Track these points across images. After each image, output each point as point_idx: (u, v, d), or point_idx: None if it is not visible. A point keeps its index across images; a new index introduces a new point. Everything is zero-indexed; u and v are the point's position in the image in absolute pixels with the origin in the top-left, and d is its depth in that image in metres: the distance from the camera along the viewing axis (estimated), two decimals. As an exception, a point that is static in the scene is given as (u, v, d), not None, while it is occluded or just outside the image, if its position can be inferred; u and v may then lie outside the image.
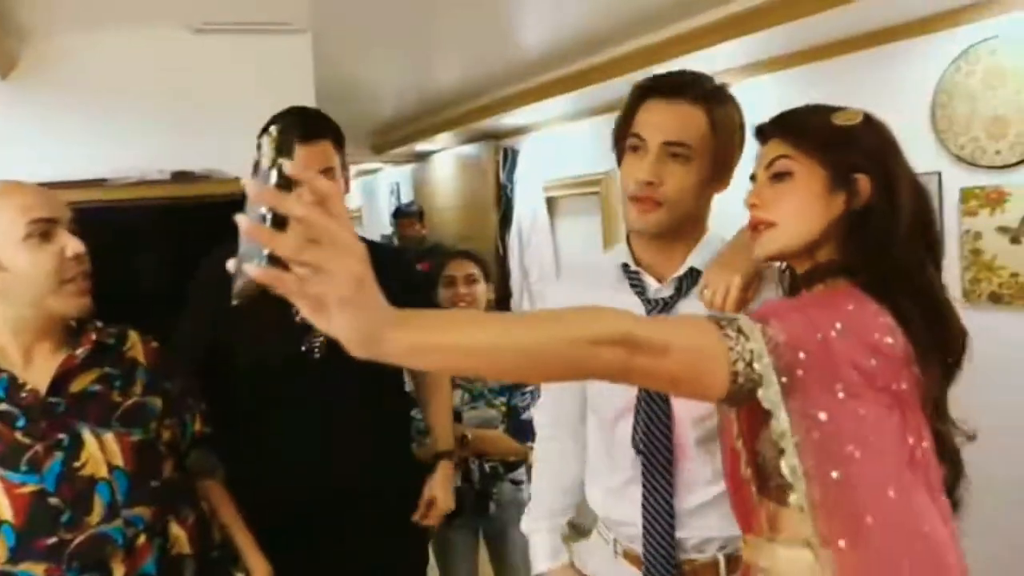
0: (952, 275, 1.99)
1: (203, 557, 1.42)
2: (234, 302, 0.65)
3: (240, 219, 0.62)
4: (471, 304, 2.31)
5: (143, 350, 1.45)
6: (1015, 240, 1.92)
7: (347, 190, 1.69)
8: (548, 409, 1.49)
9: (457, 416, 2.23)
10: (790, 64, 2.41)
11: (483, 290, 2.36)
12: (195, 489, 1.50)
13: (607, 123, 3.51)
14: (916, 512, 0.95)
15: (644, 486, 1.24)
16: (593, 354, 0.81)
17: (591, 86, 3.08)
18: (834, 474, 0.92)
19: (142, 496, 1.32)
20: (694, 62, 2.55)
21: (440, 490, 1.81)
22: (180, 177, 2.17)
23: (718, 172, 1.22)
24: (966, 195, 2.01)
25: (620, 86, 3.00)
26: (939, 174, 2.07)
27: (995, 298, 1.97)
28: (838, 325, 0.94)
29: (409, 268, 2.18)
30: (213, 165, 2.21)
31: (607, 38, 2.79)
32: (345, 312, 0.66)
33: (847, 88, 2.18)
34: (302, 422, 1.66)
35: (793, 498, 0.94)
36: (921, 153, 2.01)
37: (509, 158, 4.26)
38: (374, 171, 6.80)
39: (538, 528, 1.46)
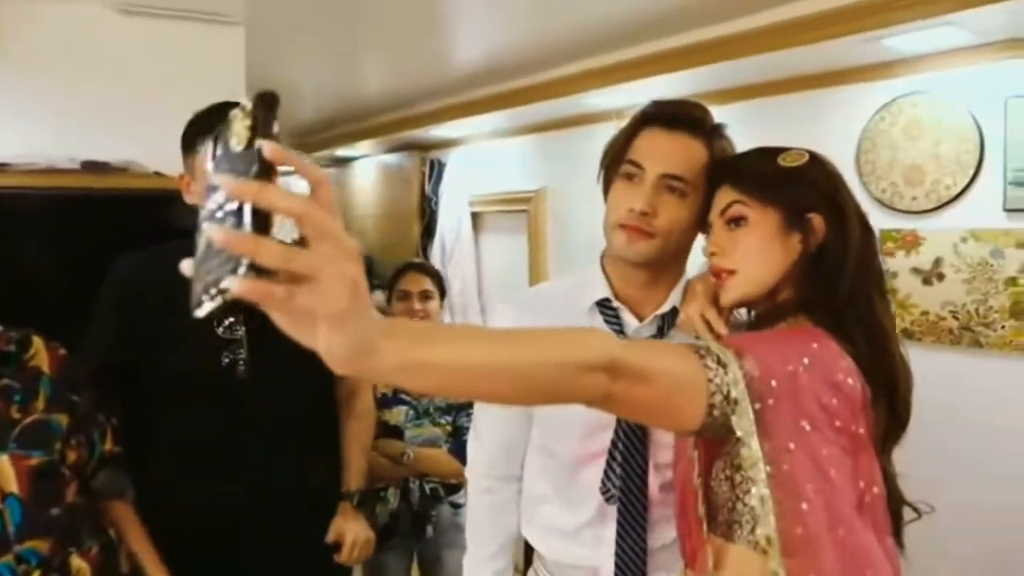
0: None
1: (109, 591, 1.29)
2: (198, 314, 0.54)
3: (213, 229, 0.52)
4: (425, 320, 2.24)
5: (48, 358, 1.31)
6: (927, 281, 2.04)
7: None
8: (486, 449, 1.40)
9: (399, 433, 2.15)
10: (726, 100, 2.48)
11: (437, 306, 2.29)
12: (102, 514, 1.36)
13: (538, 142, 3.48)
14: (865, 551, 0.97)
15: (620, 533, 1.21)
16: (578, 379, 0.78)
17: (524, 105, 3.07)
18: (804, 506, 0.93)
19: (38, 527, 1.18)
20: (630, 91, 2.60)
21: (349, 532, 1.65)
22: (92, 167, 1.98)
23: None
24: (884, 237, 2.12)
25: (554, 107, 3.03)
26: (860, 215, 2.18)
27: (907, 334, 2.08)
28: (805, 360, 0.96)
29: None
30: (130, 157, 2.04)
31: (543, 60, 2.79)
32: (338, 326, 0.57)
33: (781, 127, 2.27)
34: (223, 442, 1.53)
35: (760, 531, 0.94)
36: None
37: (436, 170, 4.20)
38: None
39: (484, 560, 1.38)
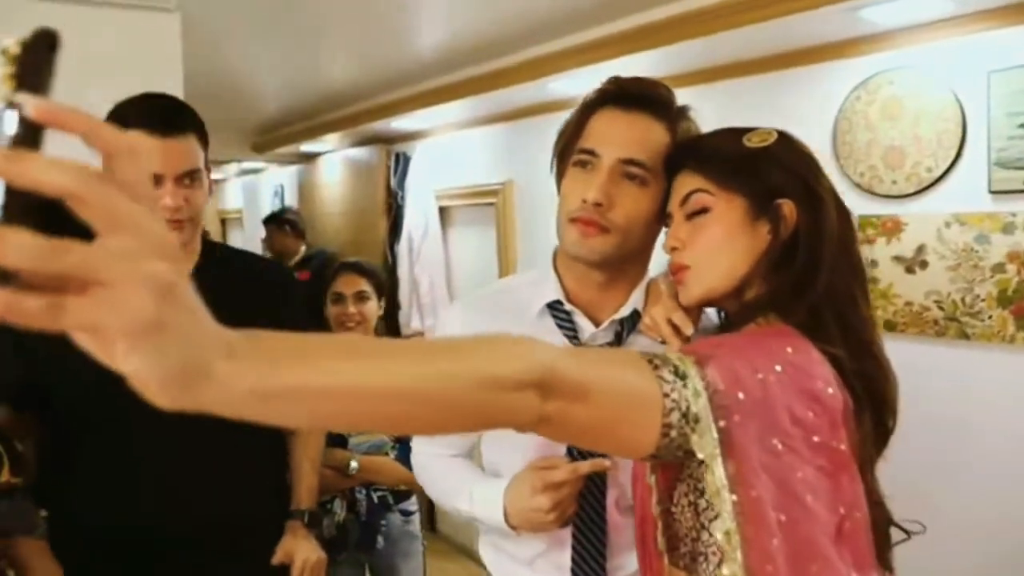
0: (849, 302, 1.99)
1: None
2: None
3: None
4: (361, 323, 2.10)
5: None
6: (909, 270, 1.94)
7: (211, 192, 1.45)
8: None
9: (343, 441, 2.02)
10: (693, 82, 2.36)
11: (374, 308, 2.15)
12: (2, 553, 1.22)
13: (504, 132, 3.36)
14: None
15: (575, 560, 1.09)
16: (504, 399, 0.63)
17: (489, 93, 2.94)
18: (774, 541, 0.81)
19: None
20: (593, 74, 2.47)
21: (300, 552, 1.53)
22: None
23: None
24: (863, 223, 2.02)
25: (517, 95, 2.90)
26: (837, 201, 2.07)
27: (890, 325, 1.98)
28: (777, 368, 0.85)
29: (293, 283, 1.90)
30: (52, 153, 1.87)
31: (506, 45, 2.66)
32: (143, 345, 0.42)
33: (752, 109, 2.16)
34: (146, 455, 1.37)
35: (726, 570, 0.82)
36: (823, 179, 2.01)
37: (400, 163, 4.06)
38: (257, 171, 6.36)
39: (463, 487, 1.16)
